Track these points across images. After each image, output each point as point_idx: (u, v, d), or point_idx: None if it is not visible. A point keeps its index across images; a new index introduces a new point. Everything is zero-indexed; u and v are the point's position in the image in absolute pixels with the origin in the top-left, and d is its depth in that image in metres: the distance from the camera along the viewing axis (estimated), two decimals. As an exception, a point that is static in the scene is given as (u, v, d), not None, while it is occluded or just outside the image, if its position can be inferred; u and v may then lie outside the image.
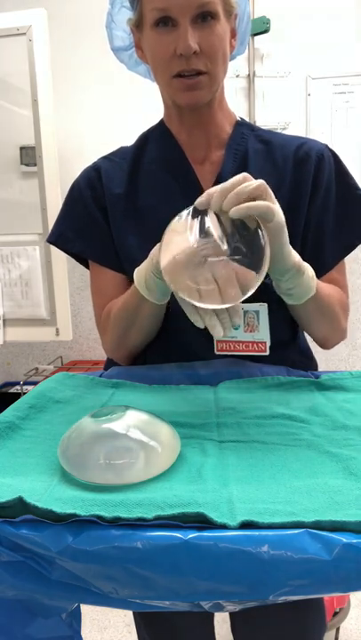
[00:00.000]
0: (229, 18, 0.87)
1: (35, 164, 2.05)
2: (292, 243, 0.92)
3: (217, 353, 0.92)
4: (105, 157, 1.01)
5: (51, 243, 1.01)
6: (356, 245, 0.97)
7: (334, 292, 0.93)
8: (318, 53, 2.56)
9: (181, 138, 0.96)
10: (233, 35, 0.90)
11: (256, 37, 2.48)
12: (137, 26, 0.88)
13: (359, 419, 0.72)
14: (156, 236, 0.92)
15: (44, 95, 1.98)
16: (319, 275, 0.95)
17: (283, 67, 2.55)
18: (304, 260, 0.94)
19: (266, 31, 2.42)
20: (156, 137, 0.99)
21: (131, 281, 0.90)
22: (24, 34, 1.95)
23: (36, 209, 2.03)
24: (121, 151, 1.01)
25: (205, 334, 0.92)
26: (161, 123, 0.99)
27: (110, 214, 0.95)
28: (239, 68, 2.55)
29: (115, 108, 2.60)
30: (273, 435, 0.67)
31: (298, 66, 2.56)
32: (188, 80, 0.84)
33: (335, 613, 1.53)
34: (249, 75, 2.57)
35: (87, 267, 1.02)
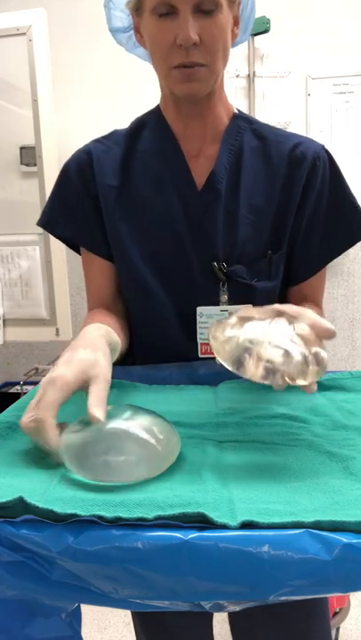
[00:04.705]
0: (232, 5, 0.84)
1: (35, 164, 2.05)
2: (281, 243, 0.93)
3: (201, 356, 0.93)
4: (97, 141, 0.98)
5: (40, 226, 1.00)
6: (343, 251, 0.97)
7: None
8: (318, 53, 2.56)
9: (177, 128, 0.94)
10: (236, 22, 0.87)
11: (256, 37, 2.48)
12: (136, 9, 0.85)
13: (359, 419, 0.72)
14: (148, 226, 0.92)
15: (44, 95, 1.98)
16: (302, 278, 0.97)
17: (283, 67, 2.55)
18: (290, 262, 0.95)
19: (266, 31, 2.42)
20: (152, 125, 0.96)
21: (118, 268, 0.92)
22: (24, 34, 1.94)
23: (36, 209, 2.03)
24: (114, 135, 0.98)
25: (190, 337, 0.93)
26: (157, 110, 0.96)
27: (102, 203, 0.94)
28: (239, 68, 2.55)
29: (115, 107, 2.60)
30: (273, 435, 0.67)
31: (298, 66, 2.56)
32: (188, 69, 0.81)
33: (335, 613, 1.53)
34: (249, 75, 2.57)
35: (78, 251, 1.01)
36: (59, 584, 0.48)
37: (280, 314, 0.64)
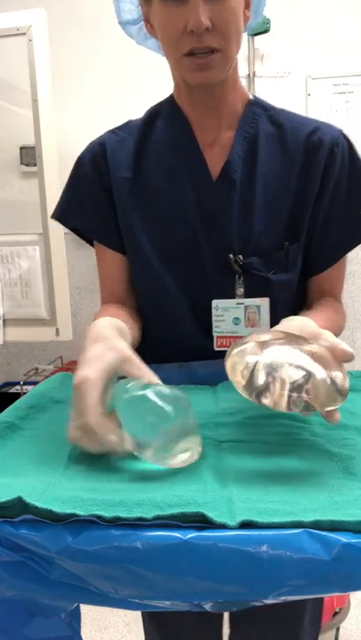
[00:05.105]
0: None
1: (35, 164, 2.04)
2: (298, 233, 0.91)
3: (216, 349, 0.92)
4: (112, 131, 0.97)
5: (54, 218, 1.00)
6: None
7: (332, 325, 0.88)
8: (318, 53, 2.56)
9: (191, 117, 0.92)
10: (247, 5, 0.84)
11: (256, 37, 2.48)
12: None
13: (359, 418, 0.72)
14: (161, 218, 0.91)
15: (44, 95, 1.98)
16: (320, 269, 0.94)
17: (283, 67, 2.55)
18: (308, 253, 0.93)
19: (266, 31, 2.41)
20: (166, 114, 0.94)
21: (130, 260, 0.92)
22: (24, 34, 1.94)
23: (36, 209, 2.03)
24: (128, 126, 0.97)
25: (204, 330, 0.92)
26: (171, 98, 0.95)
27: (116, 195, 0.93)
28: (239, 68, 2.55)
29: (115, 107, 2.60)
30: (272, 434, 0.67)
31: (298, 66, 2.56)
32: (200, 59, 0.79)
33: (335, 613, 1.53)
34: (249, 75, 2.57)
35: (91, 244, 1.01)
36: (58, 584, 0.48)
37: (296, 337, 0.63)
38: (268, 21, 2.39)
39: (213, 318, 0.91)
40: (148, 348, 0.96)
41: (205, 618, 1.03)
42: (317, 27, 2.54)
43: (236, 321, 0.90)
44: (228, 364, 0.62)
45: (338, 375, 0.59)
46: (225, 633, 1.07)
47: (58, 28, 2.22)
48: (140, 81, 2.54)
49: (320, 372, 0.58)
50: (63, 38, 2.50)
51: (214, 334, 0.91)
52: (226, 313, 0.90)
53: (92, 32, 2.48)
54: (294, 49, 2.55)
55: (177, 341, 0.93)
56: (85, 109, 2.65)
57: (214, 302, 0.90)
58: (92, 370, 0.62)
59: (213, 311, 0.91)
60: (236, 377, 0.60)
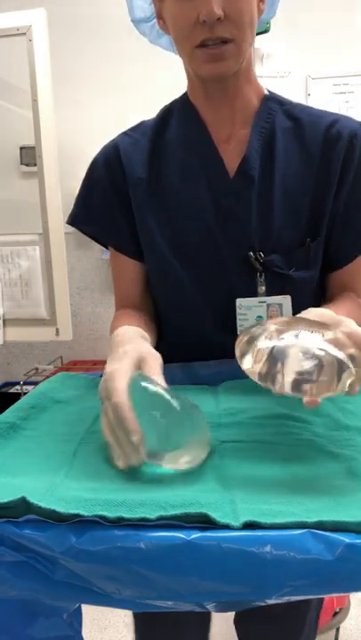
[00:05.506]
0: None
1: (35, 164, 2.04)
2: (319, 228, 0.89)
3: None
4: (125, 134, 0.96)
5: (69, 223, 0.99)
6: None
7: (353, 317, 0.83)
8: (318, 53, 2.56)
9: (206, 114, 0.90)
10: None
11: (256, 37, 2.48)
12: None
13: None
14: (177, 217, 0.90)
15: (44, 95, 1.98)
16: (341, 264, 0.92)
17: (283, 67, 2.55)
18: (328, 247, 0.91)
19: (266, 31, 2.41)
20: (179, 112, 0.93)
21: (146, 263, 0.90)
22: (24, 34, 1.94)
23: (36, 209, 2.03)
24: (142, 126, 0.95)
25: (225, 330, 0.89)
26: (185, 96, 0.93)
27: (132, 196, 0.92)
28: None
29: (115, 107, 2.61)
30: (274, 435, 0.67)
31: (298, 66, 2.56)
32: (213, 50, 0.78)
33: (335, 613, 1.53)
34: (249, 75, 2.57)
35: (107, 247, 1.00)
36: (61, 584, 0.48)
37: (310, 322, 0.62)
38: (268, 21, 2.39)
39: (238, 317, 0.90)
40: (167, 347, 0.93)
41: (194, 618, 1.03)
42: (317, 27, 2.54)
43: (259, 319, 0.88)
44: (238, 349, 0.61)
45: (353, 354, 0.57)
46: (214, 633, 1.07)
47: (58, 28, 2.22)
48: (140, 80, 2.54)
49: (332, 353, 0.57)
50: (63, 38, 2.51)
51: (239, 333, 0.90)
52: (249, 312, 0.89)
53: (93, 32, 2.48)
54: (294, 49, 2.56)
55: (197, 342, 0.92)
56: (85, 109, 2.65)
57: (238, 301, 0.89)
58: (122, 363, 0.65)
59: (238, 310, 0.89)
60: (246, 361, 0.60)
